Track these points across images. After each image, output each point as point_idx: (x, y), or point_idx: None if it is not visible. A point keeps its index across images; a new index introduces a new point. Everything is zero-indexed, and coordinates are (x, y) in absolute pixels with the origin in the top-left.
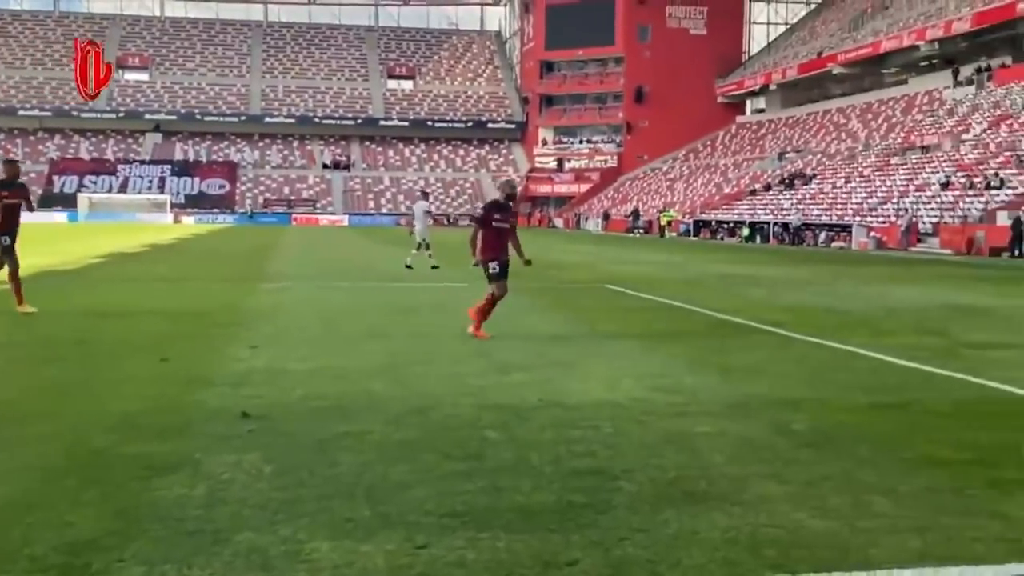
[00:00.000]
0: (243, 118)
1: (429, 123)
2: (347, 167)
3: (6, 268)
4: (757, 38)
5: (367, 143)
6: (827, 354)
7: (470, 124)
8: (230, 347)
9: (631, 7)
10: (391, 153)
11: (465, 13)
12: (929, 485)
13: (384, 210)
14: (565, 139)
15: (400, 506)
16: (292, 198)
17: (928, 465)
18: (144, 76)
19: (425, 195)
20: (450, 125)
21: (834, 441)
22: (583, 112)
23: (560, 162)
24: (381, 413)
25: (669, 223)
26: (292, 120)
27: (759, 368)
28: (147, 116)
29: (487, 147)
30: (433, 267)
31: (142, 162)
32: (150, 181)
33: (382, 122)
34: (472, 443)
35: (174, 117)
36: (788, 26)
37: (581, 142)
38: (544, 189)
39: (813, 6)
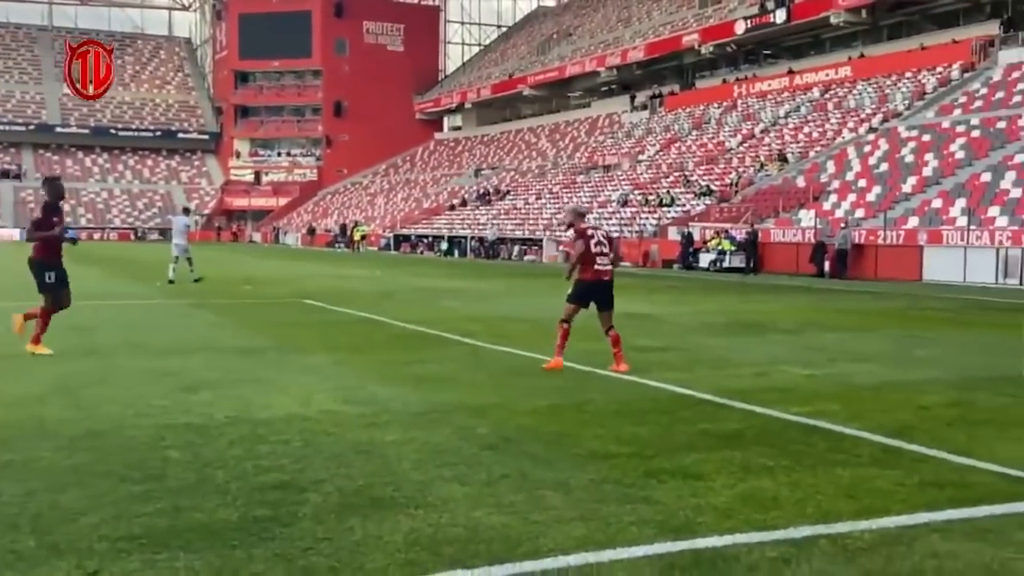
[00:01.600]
0: None
1: (113, 131)
2: (18, 176)
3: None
4: (453, 57)
5: (41, 151)
6: (513, 361)
7: (159, 133)
8: None
9: (328, 20)
10: (70, 162)
11: (152, 16)
12: (595, 477)
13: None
14: (262, 152)
15: (70, 534)
16: None
17: (595, 459)
18: None
19: (186, 211)
20: (136, 134)
21: (514, 442)
22: (281, 124)
23: (257, 175)
24: (51, 439)
25: (363, 237)
26: None
27: (449, 377)
28: None
29: (178, 158)
30: (196, 280)
31: None
32: None
33: (59, 129)
34: (152, 464)
35: None
36: (482, 47)
37: (279, 155)
38: (241, 203)
39: (504, 29)
